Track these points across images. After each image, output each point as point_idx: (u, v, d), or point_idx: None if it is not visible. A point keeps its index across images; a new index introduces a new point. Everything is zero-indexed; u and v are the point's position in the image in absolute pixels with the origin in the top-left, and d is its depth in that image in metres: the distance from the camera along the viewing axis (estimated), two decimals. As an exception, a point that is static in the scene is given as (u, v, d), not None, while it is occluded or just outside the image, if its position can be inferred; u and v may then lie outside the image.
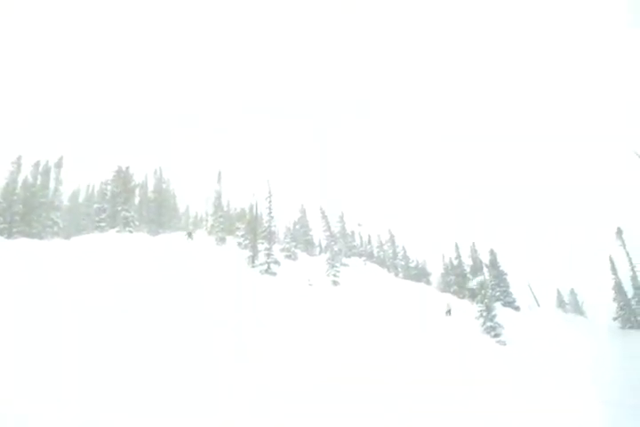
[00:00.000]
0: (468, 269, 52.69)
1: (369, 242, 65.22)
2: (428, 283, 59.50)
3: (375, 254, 64.06)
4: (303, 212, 57.87)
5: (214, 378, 12.97)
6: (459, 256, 56.72)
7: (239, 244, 42.35)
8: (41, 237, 44.86)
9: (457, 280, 54.45)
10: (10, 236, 44.84)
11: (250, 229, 40.75)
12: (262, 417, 11.03)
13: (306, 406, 12.28)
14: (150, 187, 58.72)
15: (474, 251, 51.26)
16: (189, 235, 41.94)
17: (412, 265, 63.35)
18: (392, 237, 65.58)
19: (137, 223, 47.58)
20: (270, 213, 40.03)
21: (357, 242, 62.45)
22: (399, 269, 61.98)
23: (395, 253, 64.20)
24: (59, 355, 12.00)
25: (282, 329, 19.79)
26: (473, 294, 42.37)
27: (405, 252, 64.33)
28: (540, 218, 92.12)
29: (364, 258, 55.38)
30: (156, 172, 59.70)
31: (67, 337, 13.41)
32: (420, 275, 60.59)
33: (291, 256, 44.92)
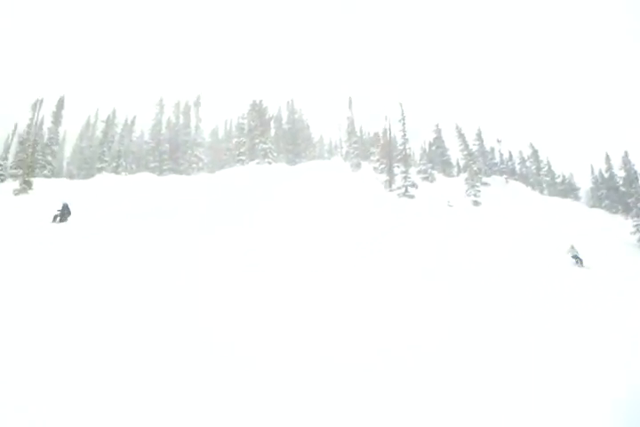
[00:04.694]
0: (620, 182, 48.58)
1: (510, 158, 61.76)
2: (577, 198, 55.87)
3: (517, 171, 60.76)
4: (438, 132, 55.95)
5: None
6: (610, 168, 52.17)
7: (375, 168, 42.41)
8: (188, 174, 48.45)
9: (608, 194, 50.53)
10: (161, 173, 48.95)
11: (385, 153, 40.51)
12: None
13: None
14: (284, 118, 59.99)
15: (627, 161, 46.66)
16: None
17: (558, 180, 59.38)
18: (535, 151, 61.65)
19: (275, 154, 49.20)
20: (404, 135, 39.20)
21: (497, 159, 59.45)
22: (544, 186, 58.56)
23: (538, 169, 60.50)
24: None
25: (422, 252, 19.46)
26: (627, 208, 39.36)
27: (550, 166, 60.27)
28: None
29: (505, 176, 52.89)
30: (288, 103, 60.67)
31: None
32: (566, 191, 56.80)
33: (428, 178, 44.24)
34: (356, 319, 9.40)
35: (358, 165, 45.43)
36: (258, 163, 45.99)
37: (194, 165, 52.15)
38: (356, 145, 48.56)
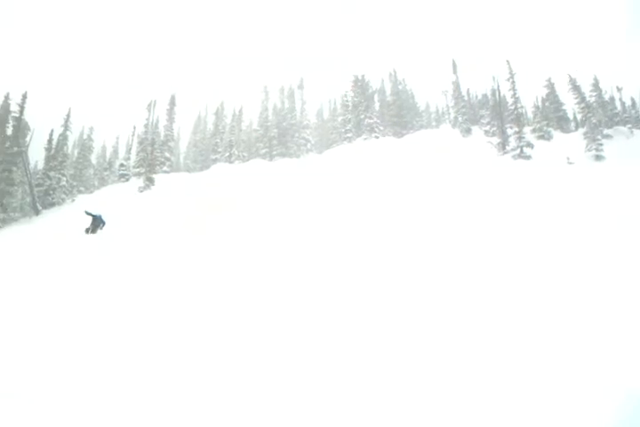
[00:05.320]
0: None
1: (633, 106, 56.73)
2: None
3: (643, 120, 55.75)
4: (550, 86, 52.63)
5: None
6: None
7: (486, 132, 41.27)
8: (297, 156, 50.01)
9: None
10: (271, 158, 50.94)
11: (495, 114, 39.26)
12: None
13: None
14: (388, 90, 59.54)
15: None
16: None
17: (693, 125, 53.73)
18: (663, 95, 56.13)
19: (381, 128, 49.28)
20: (514, 94, 37.68)
21: (619, 109, 54.92)
22: (676, 132, 53.32)
23: (668, 114, 55.11)
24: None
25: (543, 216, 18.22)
26: None
27: (682, 111, 54.61)
28: None
29: (629, 126, 48.88)
30: (390, 75, 59.96)
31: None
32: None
33: (544, 136, 42.11)
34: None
35: (468, 131, 44.39)
36: (365, 139, 46.39)
37: (302, 147, 53.53)
38: (463, 110, 47.37)
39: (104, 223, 22.09)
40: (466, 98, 52.62)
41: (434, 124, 60.16)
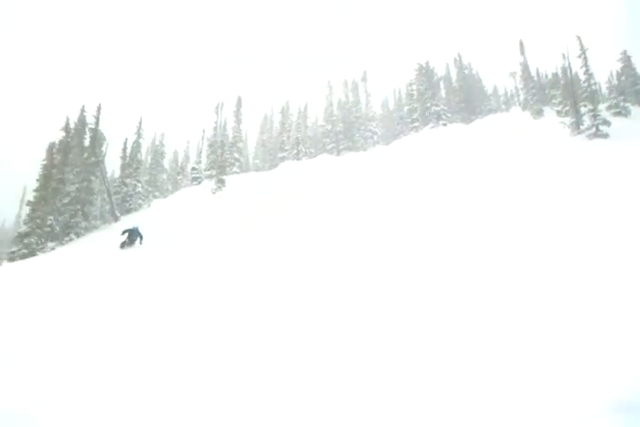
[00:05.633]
0: None
1: None
2: None
3: None
4: (626, 59, 49.92)
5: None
6: None
7: (558, 112, 39.77)
8: (364, 149, 50.07)
9: None
10: (338, 153, 51.26)
11: (567, 93, 37.70)
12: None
13: None
14: (453, 76, 58.56)
15: None
16: None
17: None
18: None
19: (448, 115, 48.65)
20: (587, 70, 36.07)
21: None
22: None
23: None
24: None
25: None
26: None
27: None
28: None
29: None
30: (455, 60, 59.00)
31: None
32: None
33: (621, 112, 40.08)
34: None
35: (539, 112, 43.02)
36: (432, 127, 46.01)
37: (369, 140, 53.69)
38: (533, 90, 45.93)
39: (141, 237, 21.93)
40: (535, 78, 50.85)
41: (503, 107, 58.61)
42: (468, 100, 54.73)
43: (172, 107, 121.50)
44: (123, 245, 21.70)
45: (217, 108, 51.56)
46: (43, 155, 33.99)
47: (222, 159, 42.09)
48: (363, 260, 11.75)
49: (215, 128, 50.73)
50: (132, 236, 21.77)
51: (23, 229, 30.91)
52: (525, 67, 48.88)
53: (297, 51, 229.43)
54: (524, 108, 46.65)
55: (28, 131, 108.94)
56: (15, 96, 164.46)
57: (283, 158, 52.08)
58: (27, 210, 32.94)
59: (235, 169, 47.44)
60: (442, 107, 48.33)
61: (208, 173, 45.08)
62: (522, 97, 50.56)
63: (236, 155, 50.37)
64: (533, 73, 50.94)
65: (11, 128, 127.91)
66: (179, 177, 55.39)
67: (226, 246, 16.70)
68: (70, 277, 14.95)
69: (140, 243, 21.75)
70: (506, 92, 63.39)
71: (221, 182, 37.41)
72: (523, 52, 49.15)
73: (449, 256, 10.57)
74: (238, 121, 53.01)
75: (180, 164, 59.13)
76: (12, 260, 28.26)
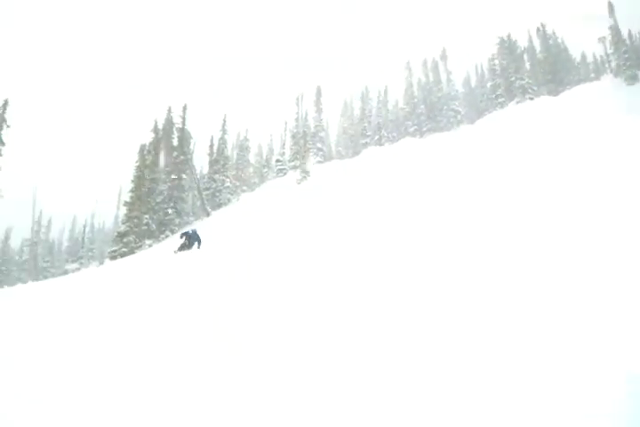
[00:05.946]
0: None
1: None
2: None
3: None
4: None
5: None
6: None
7: (655, 77, 37.78)
8: (448, 129, 49.15)
9: None
10: (422, 135, 50.39)
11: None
12: None
13: None
14: (537, 48, 56.00)
15: None
16: None
17: None
18: None
19: (534, 88, 47.13)
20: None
21: None
22: None
23: None
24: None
25: None
26: None
27: None
28: None
29: None
30: (538, 30, 55.84)
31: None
32: None
33: None
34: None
35: (634, 77, 40.73)
36: (518, 102, 44.73)
37: (452, 120, 52.44)
38: (626, 55, 43.27)
39: (199, 241, 20.57)
40: (627, 42, 47.73)
41: (592, 76, 55.69)
42: (554, 71, 52.23)
43: (253, 102, 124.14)
44: (182, 248, 20.51)
45: (297, 99, 52.34)
46: (135, 157, 35.53)
47: (305, 149, 42.59)
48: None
49: (297, 119, 51.50)
50: (191, 239, 20.64)
51: (122, 228, 32.70)
52: (616, 30, 45.90)
53: (372, 32, 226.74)
54: (616, 75, 44.19)
55: (120, 134, 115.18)
56: (106, 99, 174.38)
57: (365, 144, 52.16)
58: (124, 210, 34.52)
59: (318, 158, 48.11)
60: (527, 80, 46.64)
61: (292, 164, 45.86)
62: (613, 63, 47.77)
63: (319, 144, 50.96)
64: (625, 36, 47.96)
65: (105, 133, 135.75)
66: (264, 170, 56.88)
67: (309, 240, 14.37)
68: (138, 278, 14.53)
69: (198, 247, 20.30)
70: (595, 60, 59.98)
71: (306, 173, 38.04)
72: (612, 14, 46.20)
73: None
74: (319, 110, 53.35)
75: (264, 157, 60.34)
76: (113, 258, 29.97)
